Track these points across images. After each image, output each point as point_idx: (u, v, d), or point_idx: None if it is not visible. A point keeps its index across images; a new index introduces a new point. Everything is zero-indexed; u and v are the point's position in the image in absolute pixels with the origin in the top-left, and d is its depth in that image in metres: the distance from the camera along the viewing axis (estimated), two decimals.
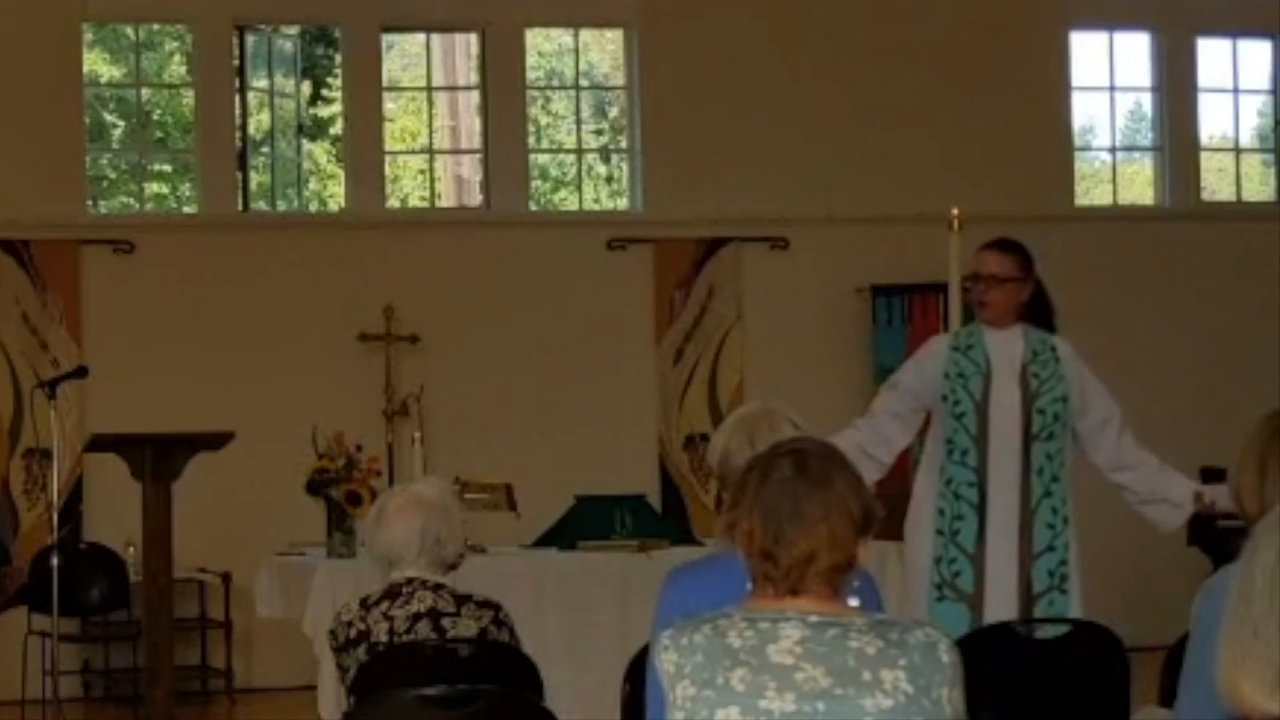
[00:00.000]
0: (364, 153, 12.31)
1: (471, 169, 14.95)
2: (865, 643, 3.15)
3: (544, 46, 15.35)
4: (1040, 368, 6.45)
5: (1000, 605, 6.24)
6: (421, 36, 13.42)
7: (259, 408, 11.18)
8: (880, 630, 3.18)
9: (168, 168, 15.54)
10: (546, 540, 9.06)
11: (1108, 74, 13.16)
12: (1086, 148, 13.82)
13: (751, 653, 3.15)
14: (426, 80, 13.61)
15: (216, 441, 8.53)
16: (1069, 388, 6.45)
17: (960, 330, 6.66)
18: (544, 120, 15.13)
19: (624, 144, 13.21)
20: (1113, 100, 13.32)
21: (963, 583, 6.28)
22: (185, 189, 14.50)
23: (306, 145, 15.38)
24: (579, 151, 13.81)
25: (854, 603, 3.27)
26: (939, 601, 6.24)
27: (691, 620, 3.24)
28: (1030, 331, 6.53)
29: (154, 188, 15.17)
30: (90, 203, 12.43)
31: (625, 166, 13.24)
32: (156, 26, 14.00)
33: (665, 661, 3.22)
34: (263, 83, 12.55)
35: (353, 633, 5.16)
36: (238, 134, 12.23)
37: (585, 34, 13.35)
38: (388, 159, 13.01)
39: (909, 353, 12.28)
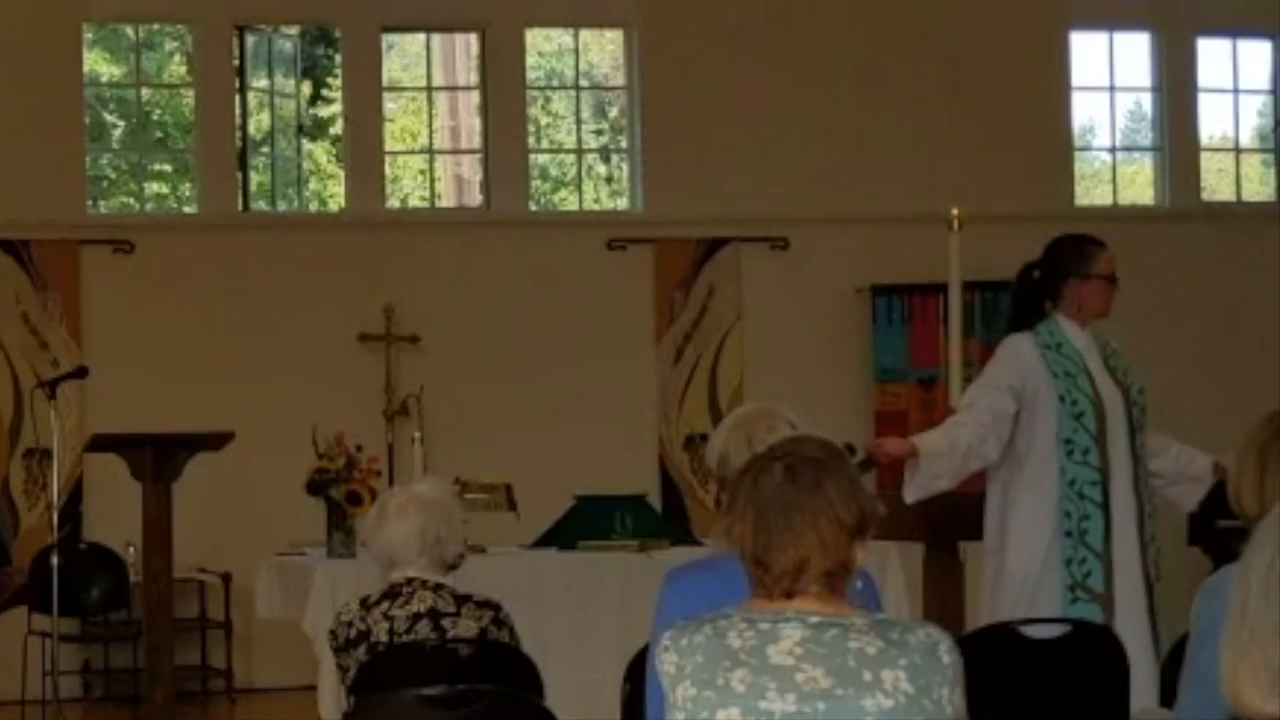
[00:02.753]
0: (364, 153, 12.30)
1: (471, 169, 14.94)
2: (865, 643, 3.15)
3: (544, 46, 15.34)
4: (1116, 360, 6.50)
5: (1129, 600, 6.23)
6: (421, 36, 13.41)
7: (259, 407, 11.18)
8: (881, 630, 3.18)
9: (168, 168, 15.53)
10: (546, 540, 9.06)
11: (1108, 74, 13.16)
12: (1086, 148, 13.81)
13: (752, 653, 3.15)
14: (426, 80, 13.61)
15: (216, 441, 8.54)
16: (1139, 377, 6.53)
17: (1038, 328, 6.52)
18: (544, 120, 15.12)
19: (624, 144, 13.21)
20: (1113, 100, 13.32)
21: (1093, 582, 6.26)
22: (185, 189, 14.48)
23: (306, 145, 15.37)
24: (579, 151, 13.81)
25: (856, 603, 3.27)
26: (1073, 604, 6.21)
27: (692, 621, 3.24)
28: (1092, 325, 6.57)
29: (154, 188, 15.15)
30: (90, 203, 12.42)
31: (625, 166, 13.23)
32: (156, 26, 13.98)
33: (666, 663, 3.22)
34: (263, 83, 12.55)
35: (353, 633, 5.17)
36: (238, 134, 12.23)
37: (585, 34, 13.34)
38: (388, 159, 13.00)
39: (909, 353, 12.47)
